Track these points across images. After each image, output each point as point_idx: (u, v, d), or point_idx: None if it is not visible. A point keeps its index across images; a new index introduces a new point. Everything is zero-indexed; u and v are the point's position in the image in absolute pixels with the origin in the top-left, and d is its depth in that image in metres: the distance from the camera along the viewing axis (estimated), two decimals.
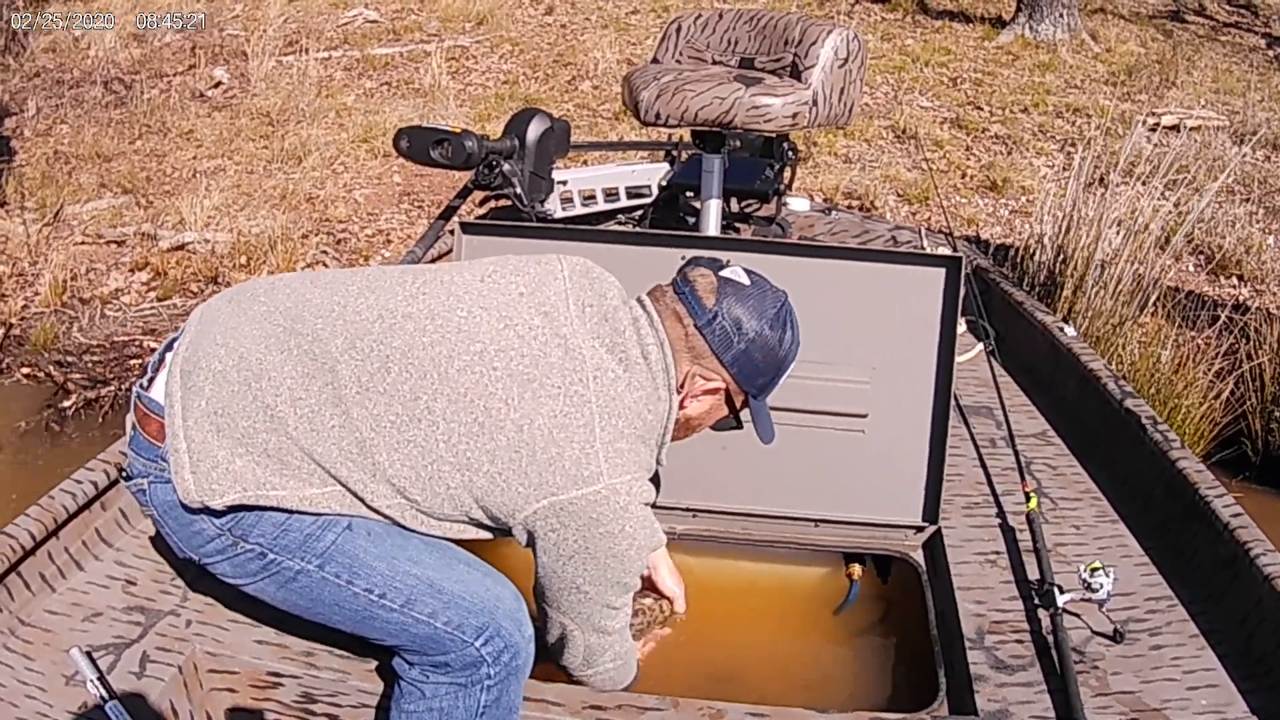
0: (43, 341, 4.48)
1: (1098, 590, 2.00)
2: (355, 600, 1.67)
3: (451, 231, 2.85)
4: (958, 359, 2.41)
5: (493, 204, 4.18)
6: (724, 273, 1.78)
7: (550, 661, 1.86)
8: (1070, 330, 3.01)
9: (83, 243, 5.24)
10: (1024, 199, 5.71)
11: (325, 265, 5.03)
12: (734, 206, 3.64)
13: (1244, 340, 4.02)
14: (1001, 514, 2.42)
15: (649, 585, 2.17)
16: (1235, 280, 4.92)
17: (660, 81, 2.94)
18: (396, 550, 1.68)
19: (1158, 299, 4.10)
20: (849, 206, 5.39)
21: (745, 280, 1.77)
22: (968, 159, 6.23)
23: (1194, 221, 4.64)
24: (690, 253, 1.95)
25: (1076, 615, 2.06)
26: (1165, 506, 2.34)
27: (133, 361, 4.40)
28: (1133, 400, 2.60)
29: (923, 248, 3.69)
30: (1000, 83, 7.36)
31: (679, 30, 3.25)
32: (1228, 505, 2.16)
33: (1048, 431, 2.78)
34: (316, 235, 5.28)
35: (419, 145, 2.94)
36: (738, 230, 3.58)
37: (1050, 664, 1.94)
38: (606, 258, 1.86)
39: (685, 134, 3.72)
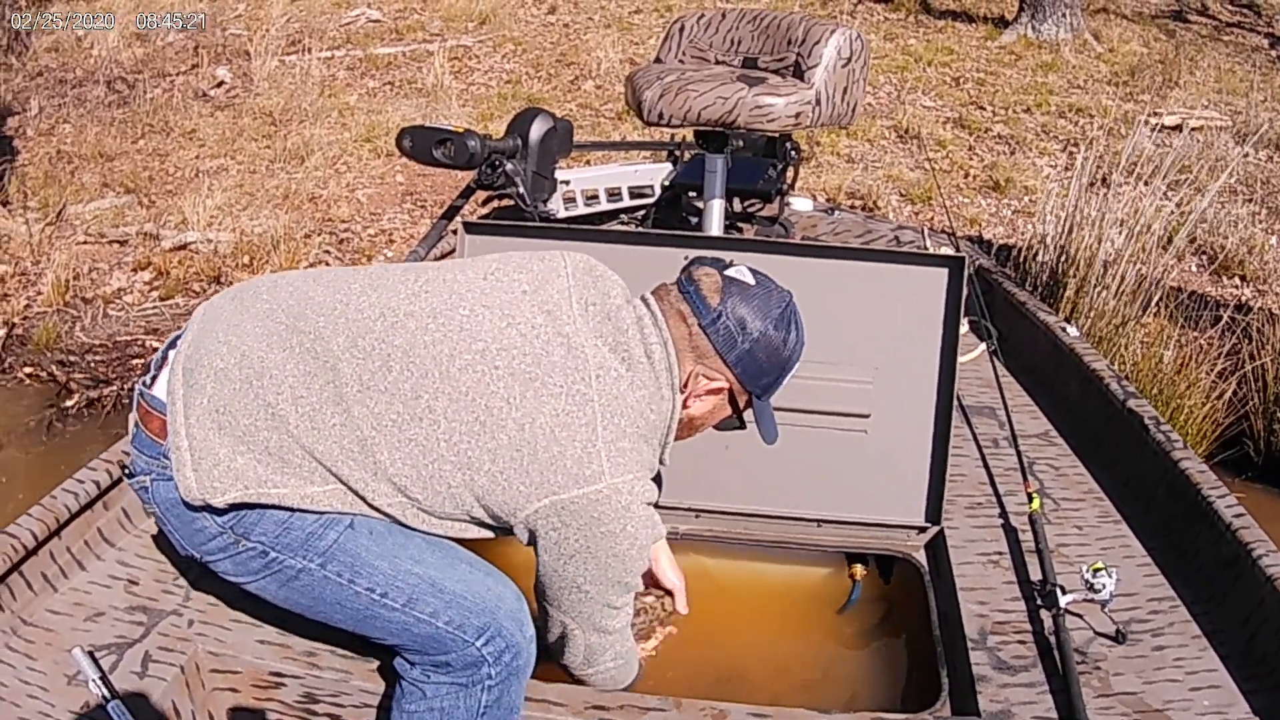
0: (45, 341, 4.48)
1: (1100, 591, 1.99)
2: (357, 599, 1.67)
3: (454, 231, 2.84)
4: (960, 359, 2.41)
5: (495, 204, 4.19)
6: (729, 272, 1.77)
7: (551, 661, 1.85)
8: (1073, 330, 3.01)
9: (85, 242, 5.25)
10: (1027, 199, 5.71)
11: (328, 265, 5.03)
12: (737, 206, 3.64)
13: (1246, 341, 4.02)
14: (1004, 514, 2.42)
15: (649, 579, 2.16)
16: (1238, 280, 4.92)
17: (663, 81, 2.94)
18: (398, 549, 1.68)
19: (1160, 299, 4.10)
20: (852, 206, 5.39)
21: (750, 280, 1.76)
22: (970, 159, 6.23)
23: (1196, 222, 4.64)
24: (693, 253, 1.95)
25: (1079, 616, 2.06)
26: (1168, 507, 2.34)
27: (135, 361, 4.41)
28: (1135, 400, 2.60)
29: (925, 248, 3.69)
30: (1003, 83, 7.36)
31: (682, 30, 3.25)
32: (1230, 506, 2.16)
33: (1050, 432, 2.78)
34: (319, 235, 5.28)
35: (422, 145, 2.95)
36: (740, 230, 3.58)
37: (1053, 664, 1.94)
38: (609, 257, 1.85)
39: (688, 134, 3.72)
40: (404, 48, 7.95)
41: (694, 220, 3.63)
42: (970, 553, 2.28)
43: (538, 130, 3.11)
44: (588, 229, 2.75)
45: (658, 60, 3.26)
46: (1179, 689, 1.89)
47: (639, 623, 2.12)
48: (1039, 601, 2.09)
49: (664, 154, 4.08)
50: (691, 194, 3.71)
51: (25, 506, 1.99)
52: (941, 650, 2.07)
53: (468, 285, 1.71)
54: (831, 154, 6.23)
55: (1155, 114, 6.50)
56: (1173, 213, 4.50)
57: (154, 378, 1.72)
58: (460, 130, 2.91)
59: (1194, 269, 5.00)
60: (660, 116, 2.93)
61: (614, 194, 3.84)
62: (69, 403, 4.17)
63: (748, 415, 1.87)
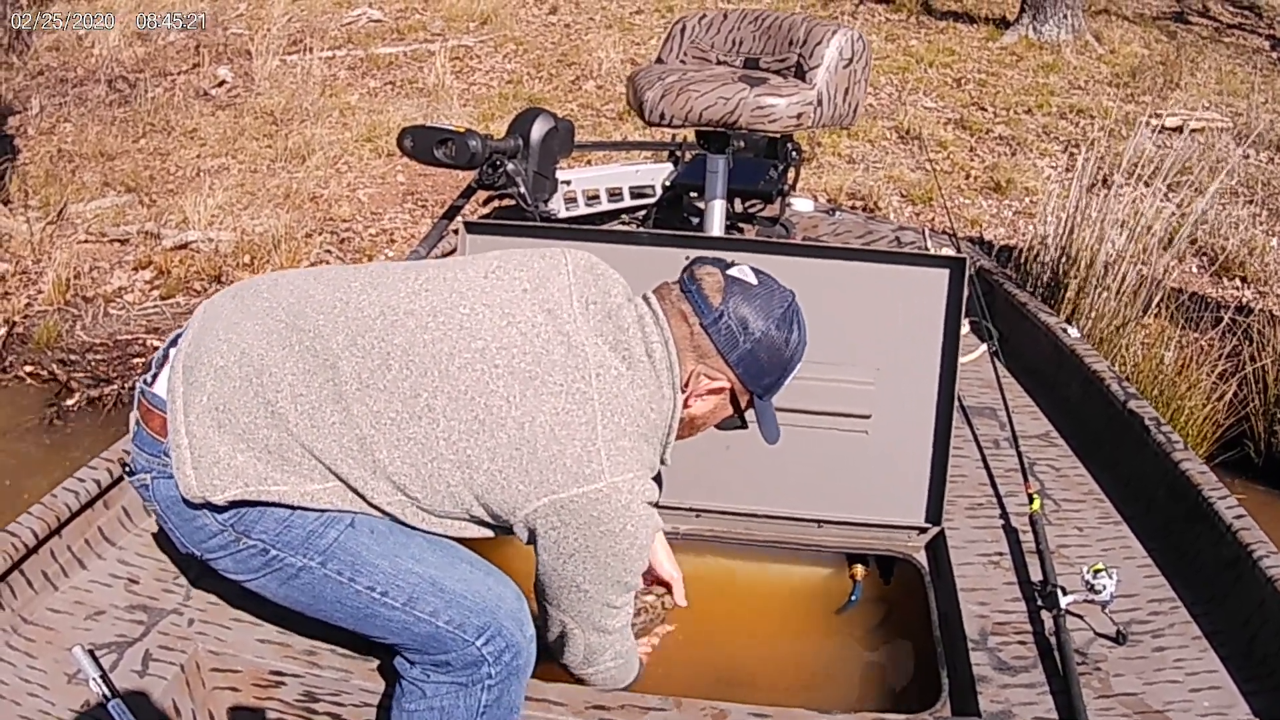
0: (46, 340, 4.48)
1: (1100, 592, 1.99)
2: (357, 598, 1.67)
3: (455, 231, 2.84)
4: (961, 360, 2.41)
5: (497, 203, 4.19)
6: (731, 271, 1.77)
7: (552, 660, 1.85)
8: (1073, 331, 3.01)
9: (86, 241, 5.25)
10: (1027, 200, 5.71)
11: (329, 264, 5.03)
12: (738, 207, 3.64)
13: (1247, 342, 4.02)
14: (1005, 515, 2.42)
15: (647, 573, 2.16)
16: (1238, 282, 4.92)
17: (665, 81, 2.94)
18: (399, 548, 1.68)
19: (1161, 300, 4.10)
20: (853, 207, 5.39)
21: (752, 279, 1.76)
22: (971, 160, 6.23)
23: (1197, 223, 4.64)
24: (694, 253, 1.95)
25: (1079, 616, 2.06)
26: (1168, 508, 2.34)
27: (136, 360, 4.41)
28: (1136, 402, 2.60)
29: (926, 249, 3.69)
30: (1004, 84, 7.36)
31: (683, 30, 3.25)
32: (1231, 507, 2.16)
33: (1051, 433, 2.78)
34: (320, 234, 5.28)
35: (423, 144, 2.95)
36: (742, 231, 3.58)
37: (1053, 665, 1.94)
38: (610, 257, 1.85)
39: (689, 134, 3.72)
40: (405, 47, 7.95)
41: (695, 220, 3.63)
42: (971, 553, 2.28)
43: (539, 130, 3.11)
44: (589, 229, 2.76)
45: (659, 60, 3.26)
46: (1179, 690, 1.89)
47: (638, 622, 2.12)
48: (1039, 602, 2.09)
49: (665, 154, 4.08)
50: (693, 194, 3.71)
51: (26, 505, 1.99)
52: (942, 651, 2.07)
53: (468, 284, 1.71)
54: (833, 154, 6.23)
55: (1156, 115, 6.49)
56: (1173, 214, 4.51)
57: (155, 376, 1.72)
58: (461, 130, 2.92)
59: (1195, 270, 5.00)
60: (662, 117, 2.93)
61: (615, 194, 3.84)
62: (70, 401, 4.17)
63: (749, 415, 1.86)
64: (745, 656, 2.24)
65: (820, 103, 2.88)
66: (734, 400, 1.82)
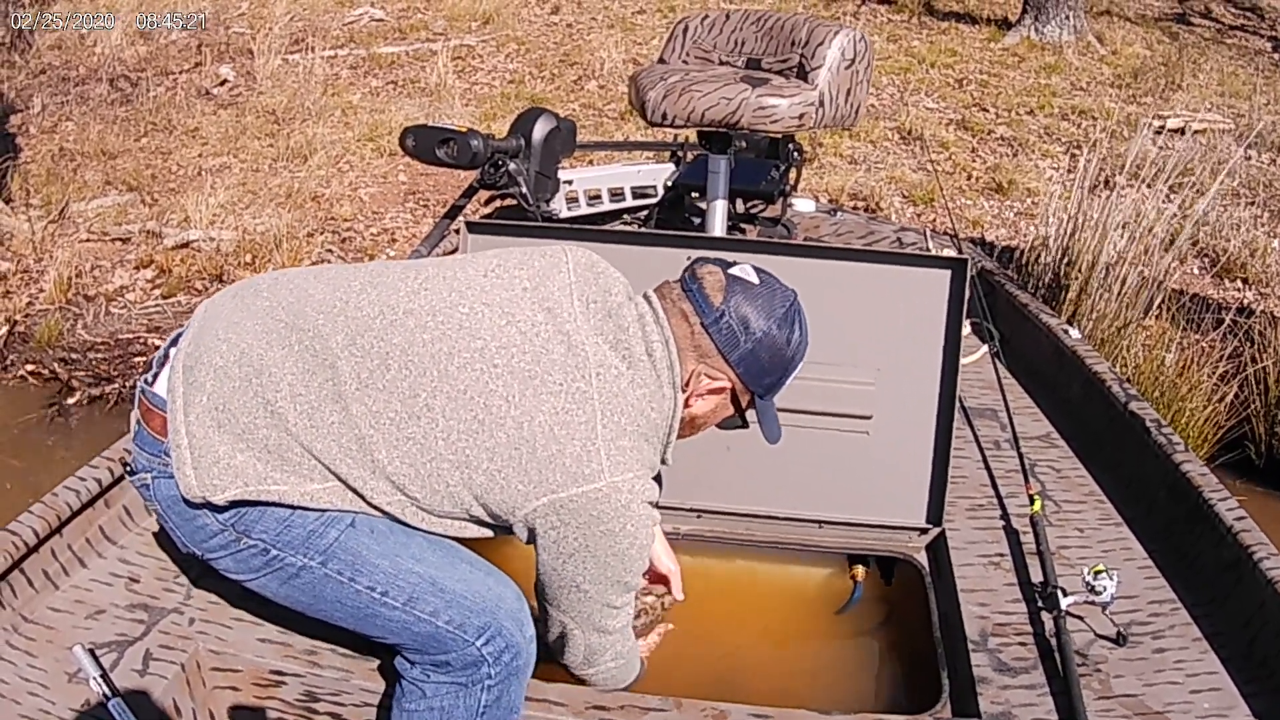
0: (47, 339, 4.49)
1: (1101, 593, 1.99)
2: (357, 597, 1.67)
3: (457, 231, 2.85)
4: (962, 361, 2.41)
5: (498, 203, 4.18)
6: (733, 271, 1.76)
7: (552, 660, 1.85)
8: (1075, 333, 3.01)
9: (87, 240, 5.25)
10: (1029, 201, 5.71)
11: (330, 264, 5.03)
12: (739, 207, 3.64)
13: (1248, 344, 4.02)
14: (1005, 516, 2.42)
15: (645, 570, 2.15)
16: (1240, 283, 4.92)
17: (667, 82, 2.94)
18: (399, 548, 1.68)
19: (1162, 302, 4.10)
20: (854, 208, 5.39)
21: (754, 279, 1.76)
22: (973, 161, 6.23)
23: (1198, 224, 4.64)
24: (695, 253, 1.94)
25: (1080, 618, 2.06)
26: (1169, 509, 2.34)
27: (137, 359, 4.41)
28: (1137, 403, 2.60)
29: (928, 249, 3.69)
30: (1006, 84, 7.35)
31: (686, 31, 3.25)
32: (1231, 509, 2.16)
33: (1052, 434, 2.78)
34: (321, 234, 5.28)
35: (425, 144, 2.95)
36: (743, 231, 3.58)
37: (1053, 666, 1.94)
38: (611, 258, 1.85)
39: (691, 134, 3.73)
40: (407, 47, 7.95)
41: (696, 221, 3.63)
42: (971, 554, 2.28)
43: (541, 130, 3.11)
44: (590, 229, 2.75)
45: (661, 61, 3.26)
46: (1179, 691, 1.89)
47: (638, 623, 2.12)
48: (1040, 603, 2.09)
49: (667, 154, 4.08)
50: (694, 194, 3.70)
51: (26, 504, 1.99)
52: (942, 652, 2.07)
53: (467, 283, 1.71)
54: (834, 155, 6.23)
55: (1158, 116, 6.49)
56: (1175, 215, 4.50)
57: (155, 376, 1.72)
58: (463, 130, 2.92)
59: (1196, 272, 5.00)
60: (663, 117, 2.93)
61: (617, 194, 3.84)
62: (71, 400, 4.17)
63: (750, 414, 1.86)
64: (746, 657, 2.24)
65: (822, 103, 2.88)
66: (735, 400, 1.82)
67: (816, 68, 2.90)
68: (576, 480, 1.58)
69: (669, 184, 3.84)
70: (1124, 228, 4.09)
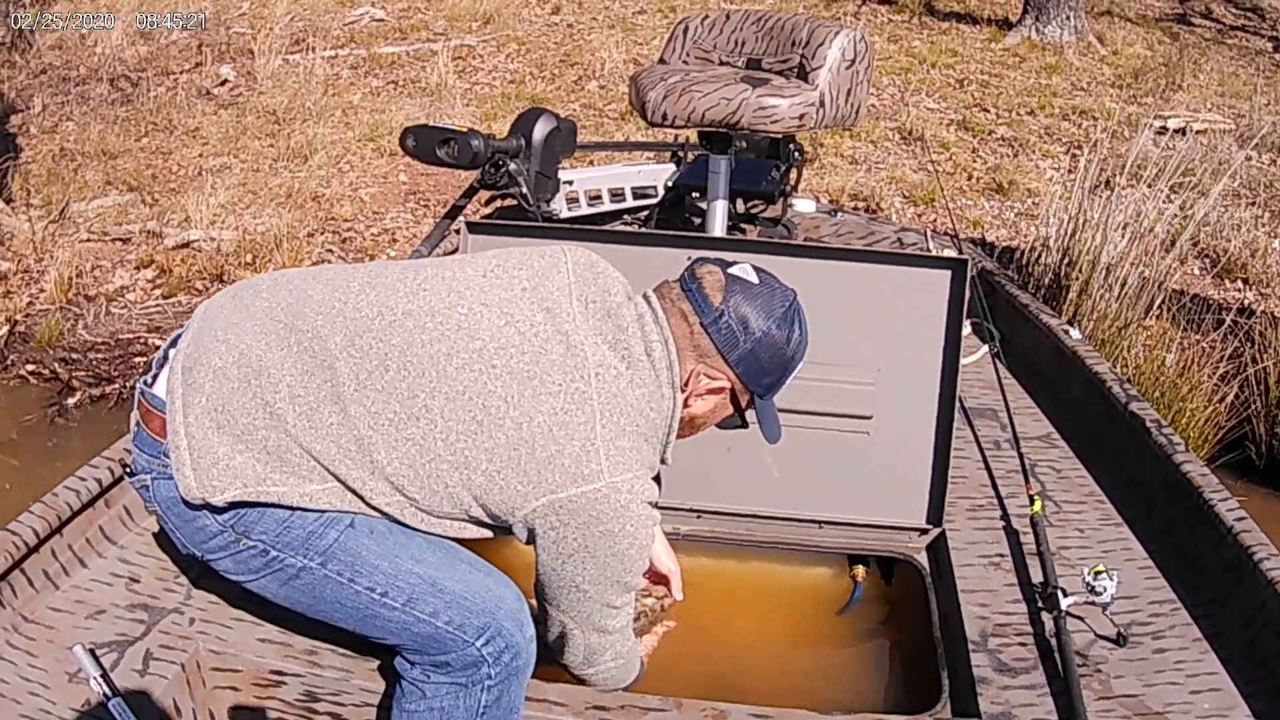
0: (48, 339, 4.49)
1: (1101, 593, 1.99)
2: (357, 598, 1.67)
3: (457, 231, 2.85)
4: (962, 361, 2.41)
5: (499, 203, 4.18)
6: (732, 270, 1.76)
7: (552, 660, 1.85)
8: (1075, 333, 3.01)
9: (88, 240, 5.25)
10: (1030, 201, 5.71)
11: (330, 264, 5.03)
12: (740, 207, 3.64)
13: (1249, 344, 4.02)
14: (1005, 516, 2.42)
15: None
16: (1240, 284, 4.92)
17: (667, 82, 2.94)
18: (399, 549, 1.68)
19: (1163, 302, 4.10)
20: (855, 208, 5.39)
21: (754, 278, 1.75)
22: (974, 161, 6.23)
23: (1199, 225, 4.64)
24: (696, 253, 1.94)
25: (1080, 618, 2.06)
26: (1169, 510, 2.34)
27: (137, 359, 4.41)
28: (1137, 403, 2.60)
29: (928, 250, 3.69)
30: (1007, 85, 7.35)
31: (686, 31, 3.24)
32: (1232, 509, 2.16)
33: (1052, 434, 2.78)
34: (322, 234, 5.28)
35: (425, 144, 2.95)
36: (743, 231, 3.58)
37: (1053, 667, 1.94)
38: (612, 258, 1.85)
39: (692, 135, 3.73)
40: (408, 47, 7.95)
41: (697, 221, 3.63)
42: (971, 555, 2.28)
43: (541, 130, 3.11)
44: (590, 229, 2.76)
45: (662, 61, 3.26)
46: (1180, 692, 1.89)
47: (636, 626, 2.12)
48: (1040, 604, 2.09)
49: (667, 155, 4.08)
50: (694, 195, 3.71)
51: (27, 504, 1.99)
52: (942, 652, 2.07)
53: (466, 283, 1.71)
54: (835, 155, 6.23)
55: (1159, 117, 6.49)
56: (1176, 216, 4.50)
57: (155, 377, 1.72)
58: (464, 130, 2.92)
59: (1197, 272, 4.99)
60: (664, 117, 2.93)
61: (617, 194, 3.84)
62: (71, 400, 4.17)
63: (750, 415, 1.86)
64: (746, 657, 2.24)
65: (822, 103, 2.88)
66: (734, 400, 1.82)
67: (817, 68, 2.90)
68: (576, 480, 1.57)
69: (669, 184, 3.84)
70: (1125, 228, 4.09)
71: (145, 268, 5.04)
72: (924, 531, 2.38)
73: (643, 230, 3.55)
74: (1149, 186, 4.42)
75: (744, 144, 3.56)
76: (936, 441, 2.37)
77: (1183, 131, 6.33)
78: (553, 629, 1.80)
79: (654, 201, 3.89)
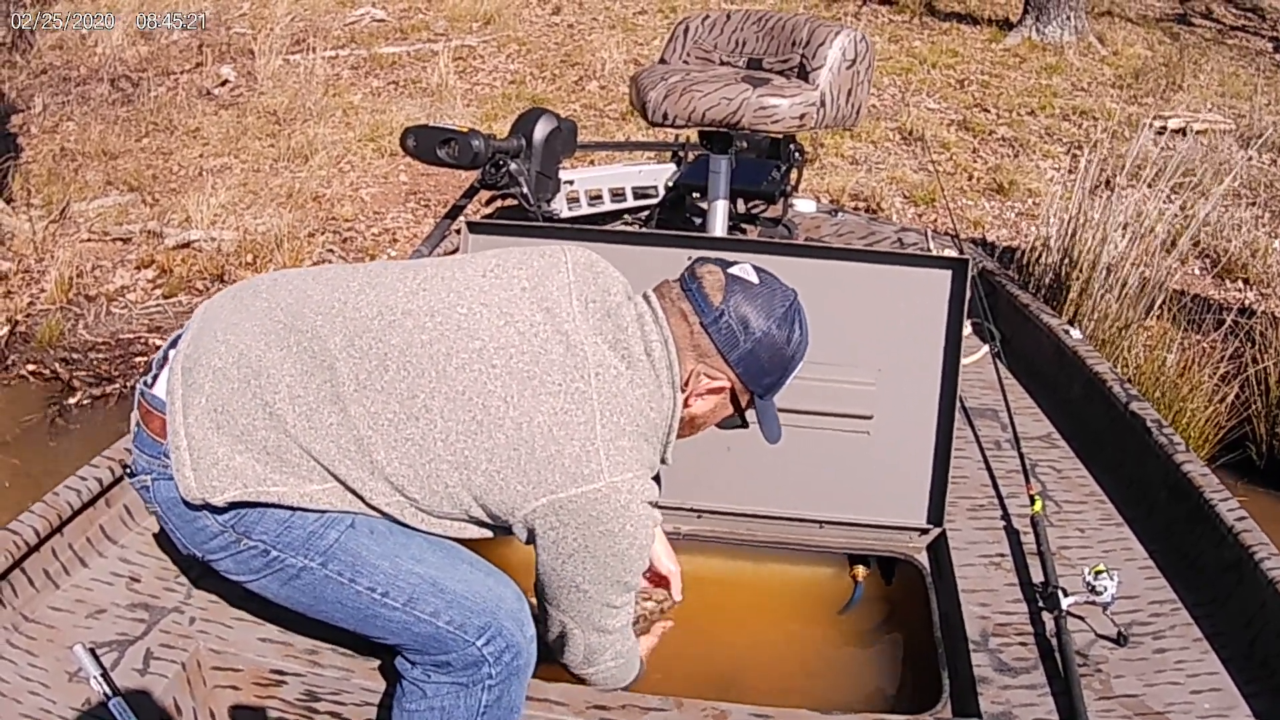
0: (48, 338, 4.49)
1: (1102, 593, 1.99)
2: (358, 598, 1.67)
3: (458, 231, 2.85)
4: (963, 361, 2.41)
5: (499, 203, 4.18)
6: (732, 270, 1.76)
7: (552, 659, 1.85)
8: (1076, 333, 3.00)
9: (89, 240, 5.25)
10: (1030, 201, 5.71)
11: (330, 264, 5.03)
12: (740, 207, 3.64)
13: (1249, 344, 4.02)
14: (1006, 516, 2.42)
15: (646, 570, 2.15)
16: (1241, 284, 4.92)
17: (668, 82, 2.94)
18: (399, 549, 1.68)
19: (1163, 302, 4.10)
20: (855, 208, 5.39)
21: (754, 278, 1.75)
22: (974, 161, 6.23)
23: (1200, 225, 4.64)
24: (696, 253, 1.94)
25: (1080, 618, 2.05)
26: (1170, 510, 2.34)
27: (138, 359, 4.41)
28: (1138, 403, 2.60)
29: (929, 250, 3.69)
30: (1007, 85, 7.35)
31: (686, 31, 3.24)
32: (1232, 509, 2.16)
33: (1053, 434, 2.77)
34: (323, 234, 5.28)
35: (426, 144, 2.95)
36: (744, 231, 3.58)
37: (1054, 667, 1.94)
38: (612, 258, 1.85)
39: (692, 134, 3.72)
40: (408, 47, 7.95)
41: (697, 221, 3.63)
42: (972, 554, 2.28)
43: (542, 130, 3.11)
44: (591, 229, 2.75)
45: (662, 61, 3.26)
46: (1180, 691, 1.89)
47: (635, 629, 2.11)
48: (1040, 604, 2.09)
49: (668, 154, 4.08)
50: (695, 195, 3.70)
51: (27, 503, 1.99)
52: (943, 652, 2.07)
53: (466, 283, 1.71)
54: (835, 155, 6.23)
55: (1159, 117, 6.49)
56: (1176, 216, 4.50)
57: (155, 377, 1.72)
58: (464, 130, 2.92)
59: (1197, 272, 5.00)
60: (665, 117, 2.93)
61: (618, 194, 3.83)
62: (72, 400, 4.17)
63: (751, 415, 1.86)
64: (746, 657, 2.24)
65: (823, 103, 2.88)
66: (734, 400, 1.82)
67: (818, 68, 2.90)
68: (576, 481, 1.57)
69: (670, 184, 3.84)
70: (1125, 228, 4.09)
71: (146, 268, 5.04)
72: (924, 531, 2.38)
73: (643, 230, 3.55)
74: (1149, 187, 4.42)
75: (745, 144, 3.56)
76: (937, 441, 2.37)
77: (1183, 132, 6.33)
78: (553, 629, 1.80)
79: (654, 201, 3.89)
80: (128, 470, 1.76)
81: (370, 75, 7.51)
